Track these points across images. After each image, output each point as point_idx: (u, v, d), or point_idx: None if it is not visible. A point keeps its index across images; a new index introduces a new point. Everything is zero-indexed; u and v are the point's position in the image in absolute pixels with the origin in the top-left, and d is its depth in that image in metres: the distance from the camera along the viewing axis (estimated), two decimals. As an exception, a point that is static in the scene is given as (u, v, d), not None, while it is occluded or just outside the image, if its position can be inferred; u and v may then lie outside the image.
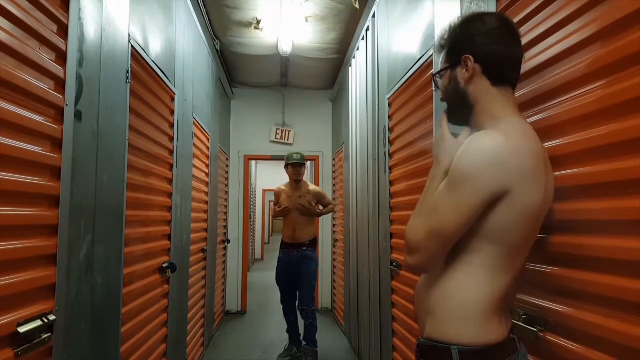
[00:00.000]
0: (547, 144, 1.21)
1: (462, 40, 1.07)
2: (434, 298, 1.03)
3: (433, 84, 1.19)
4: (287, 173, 4.09)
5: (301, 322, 3.91)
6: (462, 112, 1.11)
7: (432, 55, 2.12)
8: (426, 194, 1.06)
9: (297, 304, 3.92)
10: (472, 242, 0.98)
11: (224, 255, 5.48)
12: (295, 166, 4.00)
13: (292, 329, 3.99)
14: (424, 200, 1.05)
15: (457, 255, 1.01)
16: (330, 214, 4.50)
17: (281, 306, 4.05)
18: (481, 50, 1.04)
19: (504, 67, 1.05)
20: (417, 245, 0.98)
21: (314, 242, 4.02)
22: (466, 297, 0.98)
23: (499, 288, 0.98)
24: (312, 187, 4.15)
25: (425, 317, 1.05)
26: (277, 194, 4.17)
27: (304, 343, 3.90)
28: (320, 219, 4.99)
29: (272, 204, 16.47)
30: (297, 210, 3.94)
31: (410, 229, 1.01)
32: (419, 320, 1.10)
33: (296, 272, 3.88)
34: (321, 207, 4.11)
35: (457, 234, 0.96)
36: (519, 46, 1.07)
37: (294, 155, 4.03)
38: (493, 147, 0.92)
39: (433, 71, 1.18)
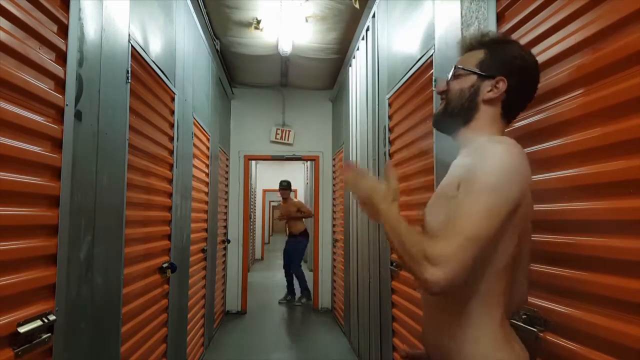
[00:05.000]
0: (547, 144, 1.21)
1: (505, 61, 1.03)
2: (456, 344, 0.98)
3: (451, 74, 1.10)
4: (280, 193, 6.66)
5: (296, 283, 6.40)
6: (457, 117, 1.07)
7: (432, 55, 2.12)
8: (408, 233, 0.92)
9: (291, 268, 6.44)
10: (487, 264, 0.94)
11: (224, 255, 5.47)
12: (283, 189, 6.55)
13: (289, 284, 6.42)
14: (410, 235, 0.91)
15: (474, 281, 0.96)
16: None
17: (284, 281, 6.53)
18: (516, 83, 1.02)
19: (521, 107, 1.07)
20: (446, 255, 0.84)
21: (303, 233, 6.47)
22: (492, 323, 0.96)
23: (503, 308, 0.98)
24: (295, 201, 7.00)
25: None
26: (279, 207, 6.99)
27: (300, 289, 6.29)
28: (320, 220, 5.97)
29: (272, 204, 16.72)
30: (288, 216, 6.49)
31: (423, 245, 0.87)
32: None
33: (292, 249, 6.42)
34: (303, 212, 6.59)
35: (488, 243, 0.88)
36: (534, 94, 1.07)
37: (282, 183, 6.56)
38: (516, 154, 0.92)
39: (459, 65, 1.09)
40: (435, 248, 0.85)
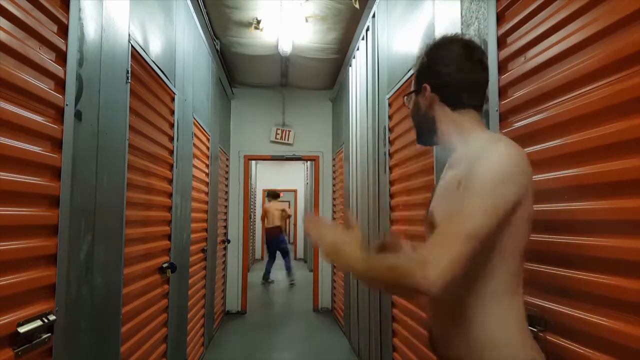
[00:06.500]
0: (547, 144, 1.21)
1: (424, 68, 1.11)
2: (467, 338, 0.97)
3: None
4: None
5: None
6: (428, 132, 1.14)
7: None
8: (392, 258, 0.98)
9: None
10: (488, 265, 0.94)
11: (224, 255, 5.47)
12: (269, 197, 8.65)
13: (269, 268, 8.07)
14: (396, 257, 0.99)
15: (477, 285, 0.96)
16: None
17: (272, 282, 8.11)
18: (438, 80, 1.08)
19: (461, 95, 1.08)
20: (438, 255, 0.84)
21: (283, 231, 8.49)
22: (504, 326, 0.95)
23: (521, 303, 0.97)
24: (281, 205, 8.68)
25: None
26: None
27: (286, 272, 7.99)
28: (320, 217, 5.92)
29: None
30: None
31: (414, 255, 0.91)
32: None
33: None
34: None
35: (484, 240, 0.87)
36: (481, 73, 1.08)
37: (270, 193, 8.73)
38: (515, 153, 0.93)
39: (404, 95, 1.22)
40: (428, 251, 0.87)
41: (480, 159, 0.92)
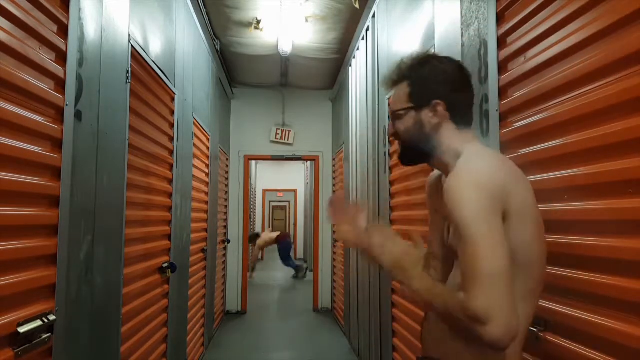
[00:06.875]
0: (547, 144, 1.21)
1: (431, 84, 1.04)
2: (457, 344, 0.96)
3: (389, 117, 1.13)
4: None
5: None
6: (420, 152, 1.07)
7: (432, 55, 2.12)
8: (449, 296, 0.93)
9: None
10: None
11: (224, 255, 5.48)
12: (252, 240, 8.46)
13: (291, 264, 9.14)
14: (450, 298, 0.91)
15: None
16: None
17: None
18: (451, 98, 1.02)
19: (468, 113, 1.06)
20: (487, 307, 0.81)
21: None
22: None
23: (526, 307, 0.94)
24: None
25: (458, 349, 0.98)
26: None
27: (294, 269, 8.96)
28: (320, 220, 6.00)
29: (272, 204, 17.00)
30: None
31: (462, 308, 0.85)
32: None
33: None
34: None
35: (510, 265, 0.85)
36: (473, 92, 1.08)
37: (251, 237, 8.33)
38: (476, 177, 0.91)
39: (394, 108, 1.10)
40: (473, 306, 0.83)
41: (454, 198, 0.90)
